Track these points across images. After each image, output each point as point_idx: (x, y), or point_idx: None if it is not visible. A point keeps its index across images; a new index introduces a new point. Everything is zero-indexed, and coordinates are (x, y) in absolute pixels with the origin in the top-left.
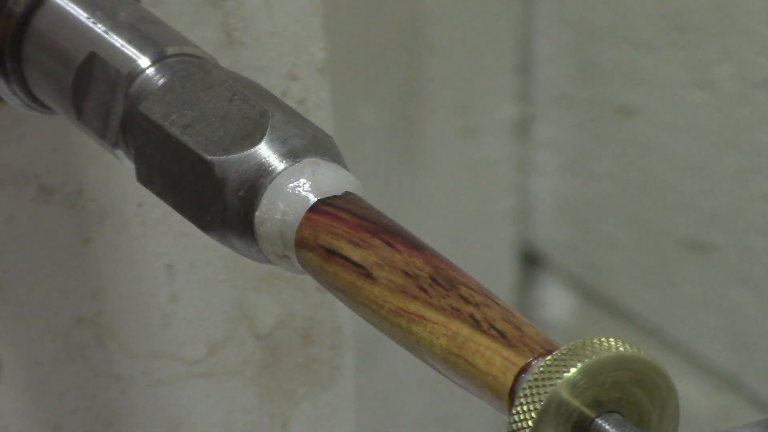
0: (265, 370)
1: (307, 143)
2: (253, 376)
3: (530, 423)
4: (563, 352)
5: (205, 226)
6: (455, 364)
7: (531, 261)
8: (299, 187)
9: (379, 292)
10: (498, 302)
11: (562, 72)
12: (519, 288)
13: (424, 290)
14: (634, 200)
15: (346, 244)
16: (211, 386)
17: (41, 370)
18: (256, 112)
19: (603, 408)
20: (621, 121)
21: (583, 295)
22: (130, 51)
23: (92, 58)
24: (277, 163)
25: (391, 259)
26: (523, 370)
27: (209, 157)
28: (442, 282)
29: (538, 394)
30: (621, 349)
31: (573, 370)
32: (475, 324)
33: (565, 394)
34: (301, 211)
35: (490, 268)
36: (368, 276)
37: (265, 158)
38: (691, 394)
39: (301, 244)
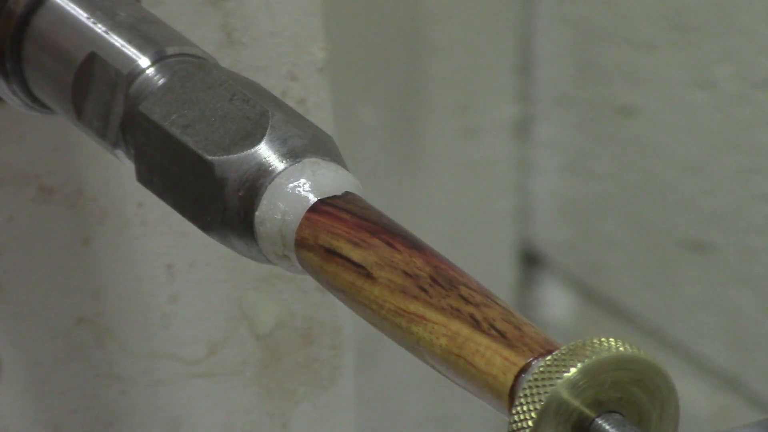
0: (265, 370)
1: (307, 143)
2: (253, 376)
3: (530, 423)
4: (563, 352)
5: (205, 226)
6: (455, 364)
7: (531, 261)
8: (299, 187)
9: (379, 292)
10: (498, 302)
11: (562, 72)
12: (519, 288)
13: (424, 290)
14: (634, 200)
15: (346, 244)
16: (211, 386)
17: (41, 370)
18: (256, 112)
19: (603, 408)
20: (621, 121)
21: (583, 295)
22: (130, 51)
23: (92, 58)
24: (277, 163)
25: (391, 259)
26: (523, 370)
27: (209, 157)
28: (442, 282)
29: (538, 394)
30: (621, 349)
31: (573, 370)
32: (475, 324)
33: (565, 394)
34: (301, 211)
35: (490, 268)
36: (368, 276)
37: (265, 158)
38: (691, 394)
39: (301, 244)
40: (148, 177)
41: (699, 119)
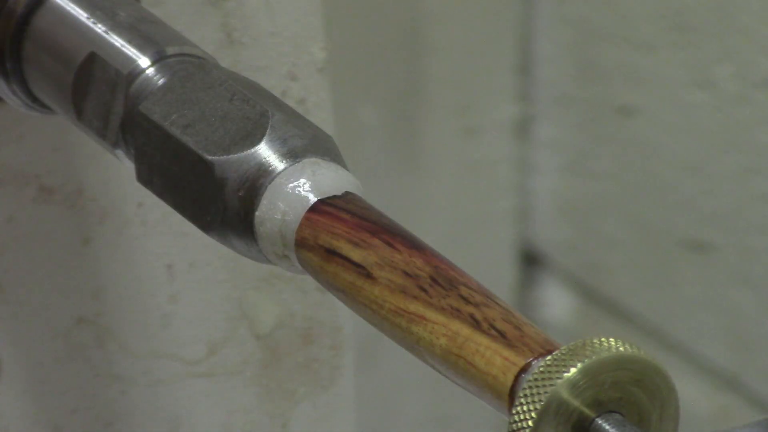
0: (265, 370)
1: (307, 143)
2: (253, 376)
3: (530, 423)
4: (563, 352)
5: (205, 226)
6: (455, 364)
7: (531, 261)
8: (299, 187)
9: (379, 292)
10: (498, 302)
11: (562, 72)
12: (519, 288)
13: (424, 290)
14: (634, 200)
15: (346, 244)
16: (211, 386)
17: (41, 370)
18: (256, 112)
19: (603, 408)
20: (621, 121)
21: (583, 295)
22: (130, 51)
23: (92, 58)
24: (277, 163)
25: (391, 259)
26: (523, 370)
27: (209, 157)
28: (442, 282)
29: (538, 394)
30: (621, 349)
31: (573, 370)
32: (475, 324)
33: (565, 394)
34: (301, 211)
35: (490, 268)
36: (368, 276)
37: (265, 158)
38: (691, 394)
39: (301, 244)
40: (148, 177)
41: (699, 119)
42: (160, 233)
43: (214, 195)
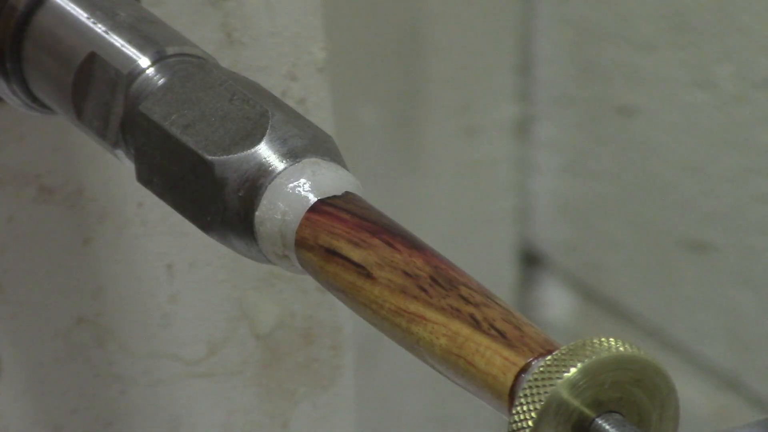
0: (265, 370)
1: (307, 143)
2: (253, 376)
3: (530, 423)
4: (563, 352)
5: (205, 226)
6: (455, 364)
7: (531, 261)
8: (299, 187)
9: (379, 292)
10: (498, 302)
11: (562, 72)
12: (519, 288)
13: (424, 290)
14: (634, 200)
15: (346, 244)
16: (211, 386)
17: (41, 370)
18: (256, 112)
19: (603, 408)
20: (621, 121)
21: (583, 295)
22: (130, 51)
23: (92, 58)
24: (277, 163)
25: (391, 259)
26: (523, 370)
27: (209, 157)
28: (442, 282)
29: (538, 394)
30: (621, 349)
31: (573, 370)
32: (475, 324)
33: (565, 394)
34: (301, 211)
35: (490, 268)
36: (368, 276)
37: (265, 158)
38: (691, 394)
39: (301, 244)
40: (148, 177)
41: (699, 119)
42: (160, 233)
43: (214, 195)
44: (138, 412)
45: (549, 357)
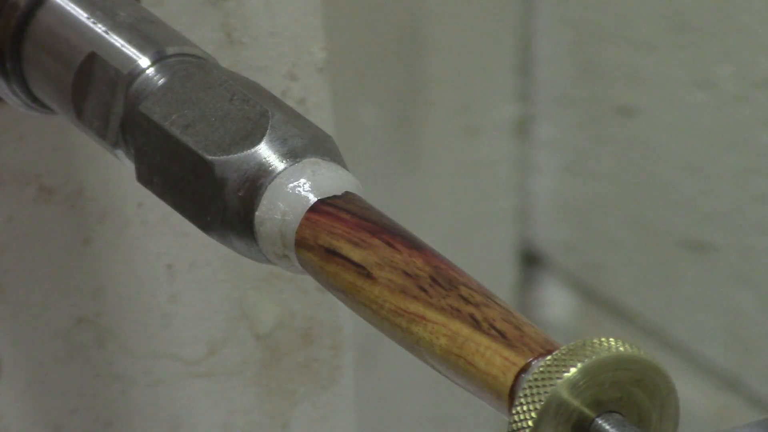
0: (265, 370)
1: (307, 143)
2: (253, 376)
3: (530, 423)
4: (563, 352)
5: (205, 226)
6: (455, 364)
7: (531, 261)
8: (299, 187)
9: (379, 292)
10: (498, 302)
11: (562, 72)
12: (519, 288)
13: (424, 290)
14: (634, 200)
15: (346, 244)
16: (211, 386)
17: (41, 370)
18: (256, 112)
19: (603, 408)
20: (621, 121)
21: (583, 295)
22: (130, 51)
23: (92, 58)
24: (277, 163)
25: (391, 259)
26: (523, 370)
27: (209, 157)
28: (442, 282)
29: (538, 394)
30: (621, 349)
31: (573, 370)
32: (475, 324)
33: (565, 394)
34: (301, 211)
35: (490, 268)
36: (368, 276)
37: (265, 158)
38: (691, 394)
39: (301, 244)
40: (148, 177)
41: (699, 119)
42: (160, 233)
43: (214, 195)
44: (138, 412)
45: (549, 357)
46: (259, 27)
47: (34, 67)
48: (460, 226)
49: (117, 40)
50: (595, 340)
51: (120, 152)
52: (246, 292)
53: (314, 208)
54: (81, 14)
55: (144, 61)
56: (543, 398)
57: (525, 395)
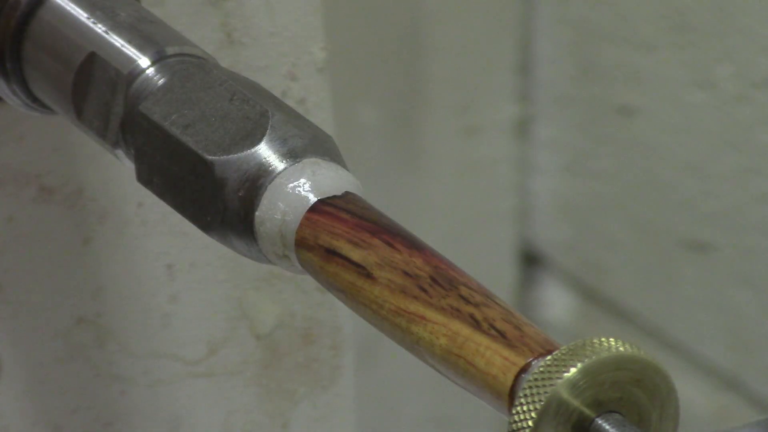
0: (265, 370)
1: (307, 143)
2: (253, 376)
3: (530, 423)
4: (563, 352)
5: (205, 226)
6: (455, 364)
7: (531, 261)
8: (299, 187)
9: (379, 292)
10: (498, 302)
11: (562, 72)
12: (519, 288)
13: (424, 290)
14: (634, 200)
15: (346, 244)
16: (211, 386)
17: (41, 370)
18: (256, 112)
19: (603, 408)
20: (621, 121)
21: (583, 295)
22: (130, 51)
23: (92, 58)
24: (277, 163)
25: (391, 259)
26: (523, 370)
27: (209, 157)
28: (442, 282)
29: (538, 394)
30: (621, 349)
31: (573, 370)
32: (475, 324)
33: (565, 394)
34: (301, 211)
35: (490, 268)
36: (368, 276)
37: (265, 158)
38: (691, 394)
39: (301, 244)
40: (148, 177)
41: (699, 119)
42: (160, 233)
43: (214, 195)
44: (138, 412)
45: (549, 357)
46: (259, 27)
47: (34, 67)
48: (460, 226)
49: (117, 40)
50: (595, 340)
51: (120, 152)
52: (246, 292)
53: (314, 208)
54: (81, 14)
55: (144, 61)
56: (543, 398)
57: (525, 395)
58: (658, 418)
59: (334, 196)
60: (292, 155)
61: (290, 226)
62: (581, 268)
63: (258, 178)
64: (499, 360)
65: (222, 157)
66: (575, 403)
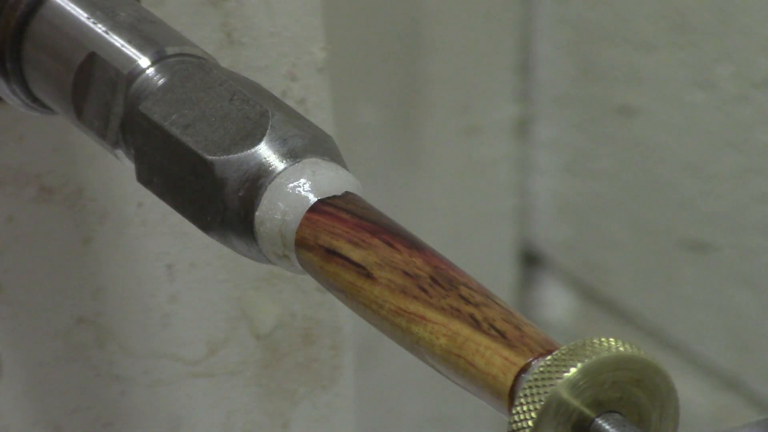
0: (265, 370)
1: (307, 143)
2: (253, 376)
3: (530, 423)
4: (563, 352)
5: (205, 226)
6: (455, 364)
7: (531, 261)
8: (299, 187)
9: (379, 292)
10: (498, 302)
11: (562, 72)
12: (519, 288)
13: (424, 290)
14: (634, 200)
15: (346, 244)
16: (211, 386)
17: (41, 370)
18: (256, 112)
19: (603, 408)
20: (621, 121)
21: (583, 295)
22: (130, 51)
23: (92, 58)
24: (277, 163)
25: (391, 259)
26: (523, 370)
27: (209, 157)
28: (442, 282)
29: (538, 394)
30: (621, 349)
31: (573, 370)
32: (475, 324)
33: (565, 394)
34: (301, 211)
35: (490, 268)
36: (368, 276)
37: (265, 158)
38: (691, 394)
39: (301, 244)
40: (148, 177)
41: (699, 119)
42: (160, 233)
43: (214, 195)
44: (138, 412)
45: (549, 357)
46: (259, 27)
47: (34, 67)
48: (460, 226)
49: (117, 40)
50: (595, 340)
51: (120, 152)
52: (246, 292)
53: (314, 208)
54: (81, 14)
55: (144, 61)
56: (543, 398)
57: (525, 395)
58: (658, 418)
59: (334, 196)
60: (292, 155)
61: (290, 226)
62: (581, 268)
63: (258, 178)
64: (499, 360)
65: (222, 157)
66: (575, 403)
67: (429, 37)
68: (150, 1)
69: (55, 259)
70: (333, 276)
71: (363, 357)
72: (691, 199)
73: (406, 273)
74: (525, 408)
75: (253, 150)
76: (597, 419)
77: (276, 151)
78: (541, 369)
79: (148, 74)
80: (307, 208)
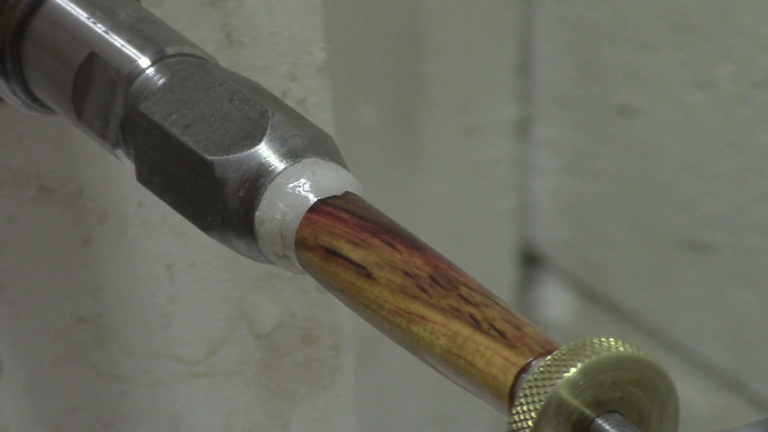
0: (265, 370)
1: (307, 143)
2: (253, 376)
3: (530, 423)
4: (563, 352)
5: (205, 226)
6: (455, 364)
7: (531, 261)
8: (299, 187)
9: (379, 292)
10: (498, 302)
11: (562, 72)
12: (519, 288)
13: (424, 290)
14: (634, 200)
15: (346, 244)
16: (211, 386)
17: (41, 370)
18: (256, 112)
19: (603, 408)
20: (621, 121)
21: (583, 295)
22: (130, 51)
23: (92, 58)
24: (277, 163)
25: (391, 259)
26: (523, 370)
27: (209, 157)
28: (442, 282)
29: (538, 394)
30: (621, 349)
31: (573, 370)
32: (475, 324)
33: (565, 394)
34: (301, 211)
35: (490, 268)
36: (368, 276)
37: (265, 158)
38: (691, 394)
39: (301, 244)
40: (148, 177)
41: (699, 119)
42: (160, 233)
43: (214, 195)
44: (138, 412)
45: (549, 357)
46: (259, 27)
47: (34, 67)
48: (460, 226)
49: (117, 40)
50: (595, 340)
51: (120, 152)
52: (246, 292)
53: (314, 208)
54: (81, 14)
55: (144, 61)
56: (543, 398)
57: (525, 395)
58: (658, 418)
59: (334, 196)
60: (292, 155)
61: (290, 226)
62: (581, 268)
63: (258, 178)
64: (499, 360)
65: (222, 157)
66: (575, 403)
67: (429, 37)
68: (150, 1)
69: (55, 259)
70: (333, 276)
71: (363, 357)
72: (691, 199)
73: (406, 273)
74: (525, 408)
75: (253, 150)
76: (597, 419)
77: (276, 151)
78: (541, 369)
79: (148, 74)
80: (307, 208)
